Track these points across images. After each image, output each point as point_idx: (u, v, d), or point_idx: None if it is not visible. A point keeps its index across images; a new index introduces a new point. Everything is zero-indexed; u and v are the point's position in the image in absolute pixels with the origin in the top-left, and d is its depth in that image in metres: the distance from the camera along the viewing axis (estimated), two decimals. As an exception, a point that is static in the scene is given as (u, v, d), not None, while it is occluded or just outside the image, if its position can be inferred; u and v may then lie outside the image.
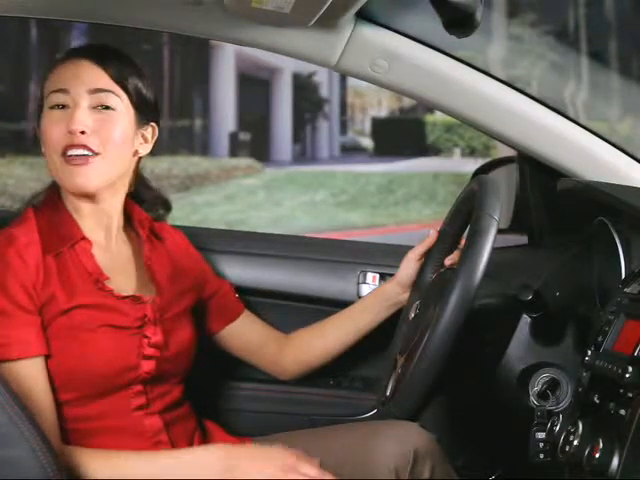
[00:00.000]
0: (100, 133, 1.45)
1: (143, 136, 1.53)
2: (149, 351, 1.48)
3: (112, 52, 1.50)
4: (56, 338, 1.42)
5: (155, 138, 1.55)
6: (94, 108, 1.46)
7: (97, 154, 1.45)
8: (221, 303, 1.70)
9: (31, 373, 1.39)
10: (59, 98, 1.45)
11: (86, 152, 1.44)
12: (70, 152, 1.44)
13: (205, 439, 1.59)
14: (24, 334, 1.39)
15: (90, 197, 1.49)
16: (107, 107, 1.46)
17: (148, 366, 1.48)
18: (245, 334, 1.72)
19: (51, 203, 1.51)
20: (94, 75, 1.47)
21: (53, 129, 1.45)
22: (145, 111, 1.52)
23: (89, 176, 1.45)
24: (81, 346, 1.42)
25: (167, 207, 1.66)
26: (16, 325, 1.39)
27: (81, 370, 1.42)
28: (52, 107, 1.46)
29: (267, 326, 1.75)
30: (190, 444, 1.55)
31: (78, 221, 1.50)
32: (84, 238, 1.48)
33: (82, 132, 1.43)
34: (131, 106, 1.49)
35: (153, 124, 1.54)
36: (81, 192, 1.47)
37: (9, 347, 1.38)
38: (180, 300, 1.57)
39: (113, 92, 1.47)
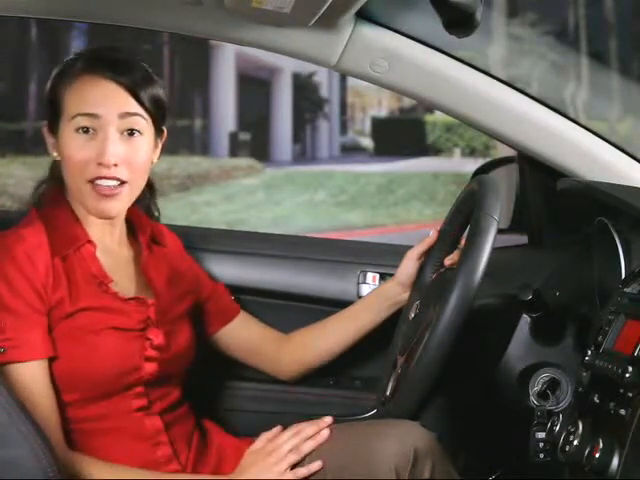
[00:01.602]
0: (129, 162, 1.45)
1: (157, 145, 1.54)
2: (151, 353, 1.48)
3: (132, 67, 1.47)
4: (61, 340, 1.42)
5: (164, 140, 1.56)
6: (122, 133, 1.45)
7: (125, 183, 1.45)
8: (217, 305, 1.70)
9: (36, 375, 1.39)
10: (87, 122, 1.44)
11: (116, 182, 1.44)
12: (99, 182, 1.44)
13: (204, 439, 1.59)
14: (32, 336, 1.40)
15: None
16: (135, 131, 1.46)
17: (150, 368, 1.48)
18: (242, 335, 1.72)
19: (55, 204, 1.51)
20: (123, 99, 1.45)
21: (80, 155, 1.44)
22: (162, 121, 1.52)
23: (116, 204, 1.46)
24: (85, 348, 1.43)
25: (151, 188, 1.64)
26: (26, 326, 1.39)
27: (84, 372, 1.42)
28: (77, 129, 1.44)
29: (265, 326, 1.75)
30: (189, 444, 1.55)
31: (84, 224, 1.50)
32: (90, 241, 1.48)
33: (115, 164, 1.43)
34: (152, 122, 1.49)
35: (164, 128, 1.55)
36: (105, 217, 1.48)
37: (18, 349, 1.39)
38: (178, 304, 1.58)
39: (141, 115, 1.47)
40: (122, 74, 1.45)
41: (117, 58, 1.48)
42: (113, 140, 1.44)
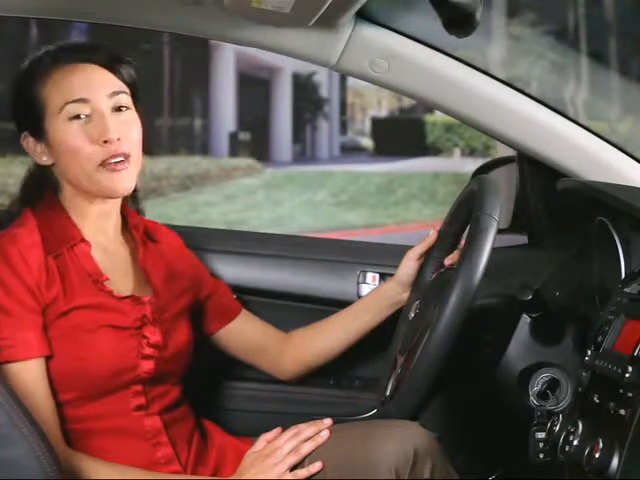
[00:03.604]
0: (127, 136, 1.46)
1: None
2: (148, 351, 1.48)
3: (103, 48, 1.49)
4: (56, 339, 1.42)
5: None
6: (112, 111, 1.46)
7: (130, 156, 1.46)
8: (218, 304, 1.70)
9: (34, 374, 1.40)
10: (79, 108, 1.44)
11: (123, 157, 1.45)
12: (110, 160, 1.44)
13: (204, 439, 1.59)
14: (28, 335, 1.40)
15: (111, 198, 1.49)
16: (122, 107, 1.47)
17: (147, 366, 1.48)
18: (243, 334, 1.72)
19: (49, 203, 1.50)
20: (107, 78, 1.47)
21: (82, 141, 1.43)
22: (137, 96, 1.53)
23: (128, 179, 1.46)
24: (81, 347, 1.42)
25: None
26: (21, 326, 1.39)
27: (81, 371, 1.42)
28: (70, 118, 1.44)
29: (266, 325, 1.74)
30: (189, 444, 1.55)
31: (77, 223, 1.50)
32: (83, 240, 1.48)
33: (118, 138, 1.43)
34: (132, 98, 1.50)
35: (139, 108, 1.54)
36: (120, 196, 1.49)
37: (14, 348, 1.39)
38: (177, 301, 1.57)
39: (125, 92, 1.48)
40: (97, 53, 1.47)
41: (86, 43, 1.51)
42: (109, 116, 1.44)
